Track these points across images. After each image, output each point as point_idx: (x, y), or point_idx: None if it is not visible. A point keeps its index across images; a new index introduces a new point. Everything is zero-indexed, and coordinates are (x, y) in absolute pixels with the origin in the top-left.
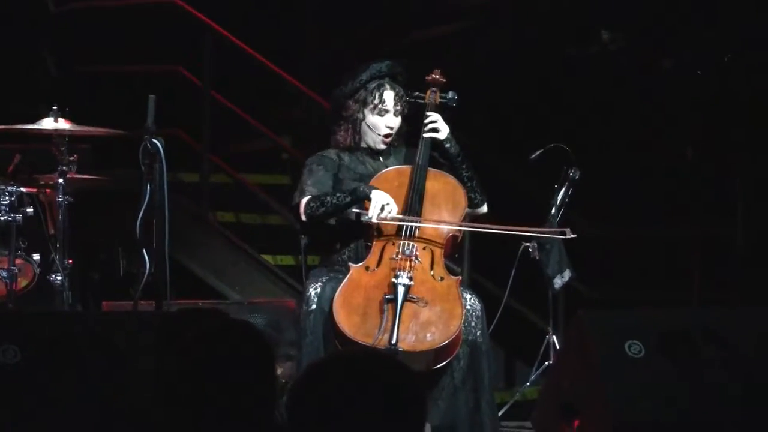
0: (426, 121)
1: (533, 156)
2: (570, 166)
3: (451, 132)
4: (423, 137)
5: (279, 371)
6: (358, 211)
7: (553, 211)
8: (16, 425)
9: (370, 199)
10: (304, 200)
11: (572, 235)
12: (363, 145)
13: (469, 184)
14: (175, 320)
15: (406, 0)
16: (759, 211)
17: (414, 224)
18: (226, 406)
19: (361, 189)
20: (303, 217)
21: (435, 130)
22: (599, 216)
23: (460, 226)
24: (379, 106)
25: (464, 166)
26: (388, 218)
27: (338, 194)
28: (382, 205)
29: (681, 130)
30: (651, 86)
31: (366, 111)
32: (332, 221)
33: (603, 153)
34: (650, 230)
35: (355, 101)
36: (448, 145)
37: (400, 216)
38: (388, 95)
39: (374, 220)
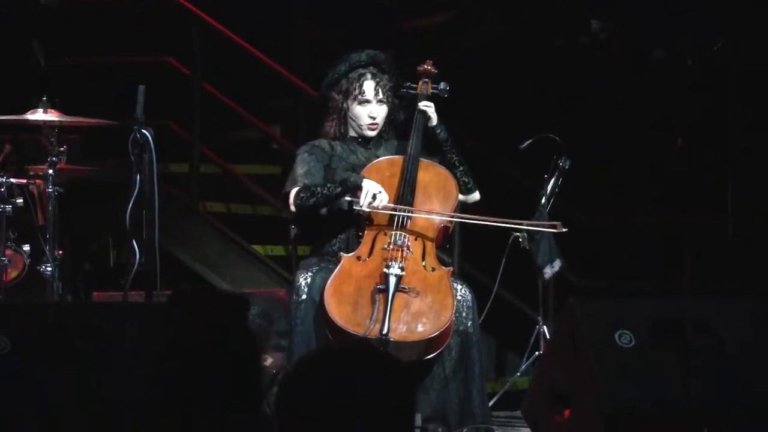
0: (421, 106)
1: (523, 146)
2: (560, 156)
3: (442, 122)
4: (415, 128)
5: (269, 362)
6: (350, 199)
7: (543, 201)
8: (6, 416)
9: (361, 189)
10: (294, 190)
11: (563, 229)
12: (351, 134)
13: (461, 168)
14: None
15: None
16: (750, 199)
17: (406, 214)
18: (211, 397)
19: (352, 179)
20: (292, 208)
21: (427, 115)
22: (590, 205)
23: (453, 216)
24: (359, 96)
25: (454, 151)
26: (379, 207)
27: (329, 185)
28: (374, 194)
29: (671, 119)
30: (641, 75)
31: (349, 101)
32: (323, 211)
33: (593, 142)
34: (641, 219)
35: (338, 92)
36: (438, 131)
37: (392, 205)
38: (368, 85)
39: (365, 209)
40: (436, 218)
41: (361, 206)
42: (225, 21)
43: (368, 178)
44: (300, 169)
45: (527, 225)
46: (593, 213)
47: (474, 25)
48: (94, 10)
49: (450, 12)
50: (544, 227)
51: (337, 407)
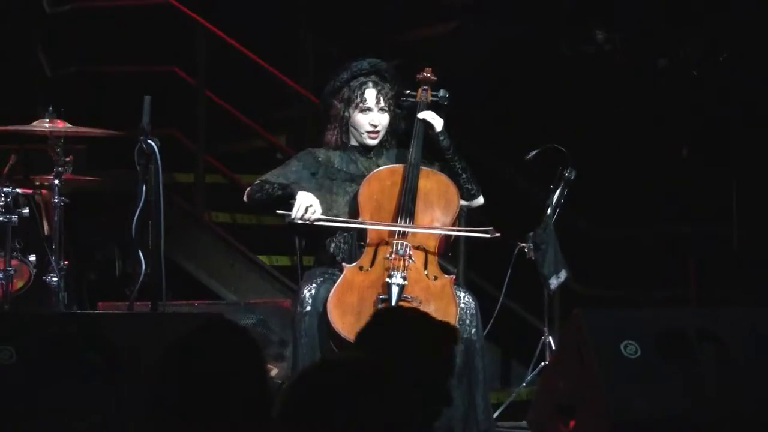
0: (420, 116)
1: (529, 156)
2: (566, 167)
3: (446, 127)
4: (415, 136)
5: (274, 372)
6: (281, 212)
7: (549, 211)
8: (11, 427)
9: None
10: (256, 182)
11: (497, 234)
12: (353, 143)
13: (464, 176)
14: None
15: None
16: (755, 209)
17: (342, 225)
18: (215, 409)
19: (291, 188)
20: (245, 198)
21: (430, 124)
22: (595, 215)
23: (373, 224)
24: (361, 104)
25: (456, 159)
26: (311, 219)
27: (276, 184)
28: (306, 207)
29: (677, 129)
30: (646, 85)
31: (350, 109)
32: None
33: (599, 152)
34: (646, 229)
35: (340, 100)
36: (441, 138)
37: (325, 217)
38: (370, 93)
39: (298, 221)
40: (365, 227)
41: (292, 218)
42: (230, 30)
43: (368, 188)
44: (277, 169)
45: (457, 231)
46: (599, 223)
47: (479, 34)
48: (100, 19)
49: (454, 21)
50: (478, 233)
51: (340, 418)
